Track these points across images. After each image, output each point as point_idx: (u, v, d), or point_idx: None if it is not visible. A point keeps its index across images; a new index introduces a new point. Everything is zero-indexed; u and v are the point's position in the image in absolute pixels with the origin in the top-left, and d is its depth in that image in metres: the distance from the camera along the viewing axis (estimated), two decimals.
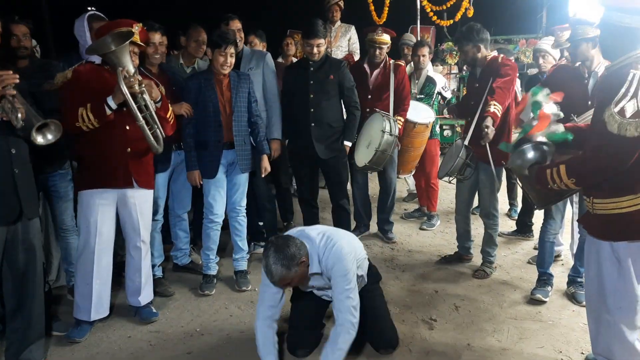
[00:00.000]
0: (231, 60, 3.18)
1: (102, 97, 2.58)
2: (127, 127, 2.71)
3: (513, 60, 4.00)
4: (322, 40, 3.55)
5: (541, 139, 2.29)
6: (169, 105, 2.89)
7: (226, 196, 3.39)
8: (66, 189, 3.10)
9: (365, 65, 4.12)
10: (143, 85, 2.59)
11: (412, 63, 4.60)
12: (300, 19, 3.86)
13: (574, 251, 3.32)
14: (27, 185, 2.37)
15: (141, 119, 2.60)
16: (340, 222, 3.85)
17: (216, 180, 3.28)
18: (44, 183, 3.02)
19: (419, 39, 5.57)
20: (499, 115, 3.22)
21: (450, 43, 8.32)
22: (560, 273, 3.48)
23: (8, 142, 2.27)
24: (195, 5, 11.58)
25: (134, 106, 2.56)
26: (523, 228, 4.37)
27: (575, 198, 3.23)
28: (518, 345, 2.73)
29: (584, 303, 2.81)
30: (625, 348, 2.19)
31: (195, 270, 3.65)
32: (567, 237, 3.69)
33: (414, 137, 4.20)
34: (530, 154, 2.25)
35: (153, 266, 3.24)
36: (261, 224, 4.03)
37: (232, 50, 3.15)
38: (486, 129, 3.14)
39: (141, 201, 2.87)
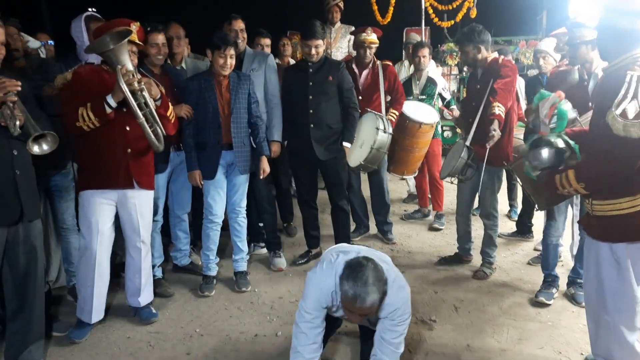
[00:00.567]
0: (231, 62, 3.18)
1: (101, 96, 2.58)
2: (128, 128, 2.72)
3: (513, 61, 4.01)
4: (320, 41, 3.55)
5: (556, 140, 2.29)
6: (169, 103, 2.89)
7: (226, 197, 3.39)
8: (67, 188, 3.10)
9: (354, 66, 4.15)
10: (142, 83, 2.59)
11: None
12: (299, 20, 3.85)
13: (574, 252, 3.32)
14: (28, 187, 2.38)
15: (141, 116, 2.60)
16: (340, 223, 3.86)
17: (215, 181, 3.29)
18: (45, 182, 3.02)
19: (423, 39, 5.59)
20: (503, 117, 3.24)
21: (450, 44, 8.33)
22: (560, 274, 3.47)
23: (10, 144, 2.28)
24: (195, 6, 11.60)
25: (134, 103, 2.56)
26: (523, 229, 4.37)
27: (576, 200, 3.23)
28: (517, 346, 2.73)
29: (584, 304, 2.81)
30: (625, 349, 2.19)
31: (195, 271, 3.65)
32: (567, 238, 3.68)
33: (419, 137, 4.19)
34: (546, 155, 2.25)
35: (153, 267, 3.24)
36: (261, 225, 4.03)
37: (231, 51, 3.15)
38: (493, 132, 3.15)
39: (141, 202, 2.87)
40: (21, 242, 2.38)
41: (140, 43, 2.81)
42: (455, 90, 8.09)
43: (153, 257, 3.23)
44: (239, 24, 3.72)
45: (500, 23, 8.80)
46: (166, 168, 3.26)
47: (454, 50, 8.03)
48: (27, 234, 2.39)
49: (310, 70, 3.62)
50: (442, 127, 4.79)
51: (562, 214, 3.21)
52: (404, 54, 6.10)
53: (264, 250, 4.04)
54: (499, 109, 3.20)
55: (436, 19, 7.90)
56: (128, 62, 2.59)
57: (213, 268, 3.46)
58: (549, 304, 3.15)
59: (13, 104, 2.17)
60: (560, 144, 2.27)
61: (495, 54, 3.63)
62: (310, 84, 3.62)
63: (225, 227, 3.54)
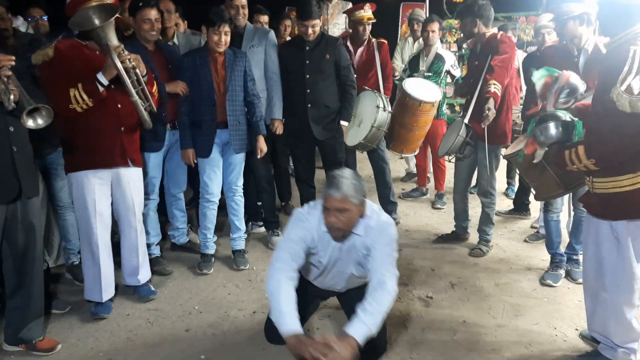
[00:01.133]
0: (226, 39, 3.12)
1: (88, 74, 2.52)
2: (119, 105, 2.67)
3: (513, 37, 3.95)
4: (316, 21, 3.50)
5: (564, 115, 2.26)
6: (153, 79, 2.83)
7: (222, 176, 3.38)
8: (63, 166, 3.08)
9: (349, 44, 4.09)
10: (132, 61, 2.54)
11: (420, 40, 4.49)
12: None
13: (569, 229, 3.33)
14: (26, 164, 2.36)
15: (135, 94, 2.56)
16: None
17: (211, 160, 3.27)
18: (41, 162, 3.00)
19: (427, 14, 5.47)
20: (499, 95, 3.20)
21: (450, 21, 8.21)
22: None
23: (6, 120, 2.25)
24: None
25: (128, 82, 2.52)
26: (520, 207, 4.38)
27: None
28: (513, 322, 2.77)
29: (580, 280, 2.84)
30: (621, 325, 2.22)
31: (193, 250, 3.66)
32: (563, 216, 3.70)
33: (419, 115, 4.07)
34: (553, 131, 2.21)
35: (150, 245, 3.26)
36: (259, 204, 4.03)
37: (226, 28, 3.09)
38: (487, 111, 3.12)
39: (134, 179, 2.86)
40: (20, 220, 2.37)
41: (119, 16, 2.72)
42: None
43: (150, 235, 3.25)
44: (240, 0, 3.65)
45: None
46: (161, 147, 3.23)
47: (453, 27, 7.92)
48: (25, 211, 2.39)
49: (307, 48, 3.57)
50: (447, 105, 4.65)
51: None
52: (399, 30, 6.01)
53: (262, 229, 4.05)
54: (494, 87, 3.17)
55: None
56: (115, 38, 2.53)
57: (211, 246, 3.47)
58: (556, 287, 3.13)
59: (7, 78, 2.14)
60: (567, 117, 2.24)
61: (495, 30, 3.58)
62: (307, 62, 3.57)
63: (223, 206, 3.54)
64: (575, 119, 2.26)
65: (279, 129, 3.71)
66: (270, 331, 2.43)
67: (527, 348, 2.53)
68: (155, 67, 3.06)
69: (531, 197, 4.30)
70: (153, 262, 3.24)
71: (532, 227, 4.11)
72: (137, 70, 2.57)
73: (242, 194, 3.48)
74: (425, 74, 4.39)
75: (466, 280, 3.26)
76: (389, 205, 4.29)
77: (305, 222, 2.21)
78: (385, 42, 4.22)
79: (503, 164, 4.15)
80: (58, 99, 2.48)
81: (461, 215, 3.84)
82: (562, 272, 3.23)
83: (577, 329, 2.68)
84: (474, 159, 3.57)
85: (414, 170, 5.32)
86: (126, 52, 2.54)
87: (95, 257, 2.76)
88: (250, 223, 4.04)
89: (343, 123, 3.74)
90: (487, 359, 2.45)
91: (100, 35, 2.49)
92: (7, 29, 3.00)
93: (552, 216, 3.22)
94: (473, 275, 3.33)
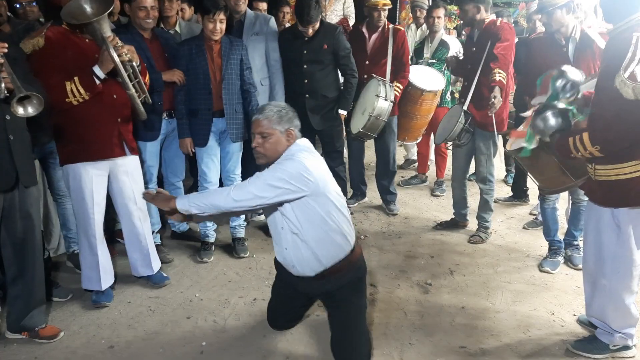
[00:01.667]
0: (221, 27, 3.09)
1: (80, 64, 2.50)
2: (115, 96, 2.66)
3: (512, 24, 3.92)
4: (316, 23, 3.47)
5: (564, 105, 2.25)
6: (146, 70, 2.81)
7: (220, 164, 3.38)
8: None
9: (364, 30, 3.99)
10: (128, 53, 2.51)
11: (423, 26, 4.42)
12: None
13: (569, 215, 3.35)
14: (23, 152, 2.35)
15: (131, 87, 2.54)
16: None
17: (208, 148, 3.26)
18: (39, 152, 2.99)
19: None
20: (505, 83, 3.19)
21: (450, 7, 8.14)
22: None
23: (2, 109, 2.23)
24: None
25: (125, 75, 2.50)
26: (519, 193, 4.39)
27: None
28: (511, 308, 2.79)
29: (580, 266, 2.85)
30: (620, 310, 2.24)
31: (194, 238, 3.67)
32: (562, 202, 3.71)
33: (421, 104, 4.07)
34: (553, 121, 2.20)
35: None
36: None
37: (221, 16, 3.06)
38: (493, 99, 3.12)
39: (132, 168, 2.85)
40: (18, 209, 2.37)
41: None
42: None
43: (150, 223, 3.25)
44: None
45: None
46: (157, 136, 3.21)
47: (452, 13, 7.86)
48: (23, 200, 2.38)
49: (305, 38, 3.54)
50: (451, 93, 4.58)
51: None
52: (398, 16, 5.92)
53: (262, 217, 4.06)
54: (499, 75, 3.16)
55: None
56: (109, 29, 2.50)
57: (211, 234, 3.48)
58: (553, 273, 3.16)
59: (0, 65, 2.12)
60: (561, 105, 2.24)
61: (493, 16, 3.56)
62: (305, 52, 3.54)
63: None
64: (571, 107, 2.25)
65: None
66: (272, 316, 2.47)
67: (525, 333, 2.56)
68: (151, 56, 3.04)
69: (530, 184, 4.31)
70: None
71: (530, 214, 4.13)
72: (134, 63, 2.55)
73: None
74: (429, 60, 4.34)
75: (465, 266, 3.28)
76: (388, 195, 4.28)
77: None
78: (402, 29, 4.08)
79: (501, 150, 4.15)
80: (54, 93, 2.45)
81: (460, 202, 3.85)
82: (560, 258, 3.24)
83: (574, 315, 2.70)
84: (471, 146, 3.57)
85: (413, 157, 5.32)
86: (121, 44, 2.50)
87: (92, 247, 2.77)
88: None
89: (341, 112, 3.73)
90: (485, 344, 2.48)
91: (96, 28, 2.44)
92: (1, 15, 2.96)
93: (548, 204, 3.23)
94: (472, 262, 3.35)
